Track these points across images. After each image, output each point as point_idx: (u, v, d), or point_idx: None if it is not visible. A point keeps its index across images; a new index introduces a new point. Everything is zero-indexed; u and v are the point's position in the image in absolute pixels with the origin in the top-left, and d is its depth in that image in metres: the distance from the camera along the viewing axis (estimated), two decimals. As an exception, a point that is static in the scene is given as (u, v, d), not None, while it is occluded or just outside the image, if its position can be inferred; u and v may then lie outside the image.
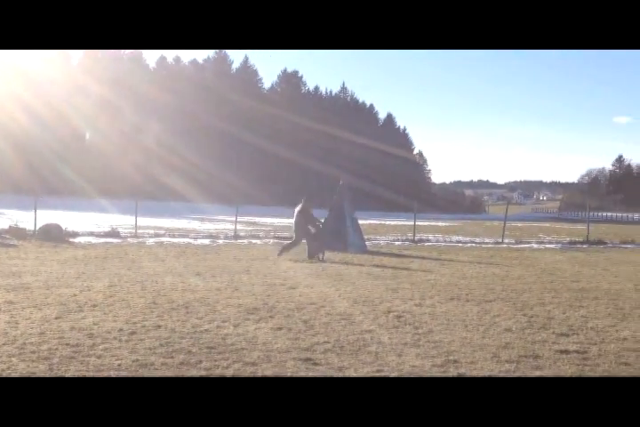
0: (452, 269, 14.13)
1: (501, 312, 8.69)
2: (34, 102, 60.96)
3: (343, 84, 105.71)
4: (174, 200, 60.20)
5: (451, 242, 23.77)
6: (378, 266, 14.56)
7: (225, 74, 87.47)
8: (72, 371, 5.30)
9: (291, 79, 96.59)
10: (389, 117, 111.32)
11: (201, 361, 5.71)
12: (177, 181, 63.81)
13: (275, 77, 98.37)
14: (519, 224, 47.66)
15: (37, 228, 20.17)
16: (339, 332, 7.11)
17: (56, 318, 7.48)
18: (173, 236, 22.21)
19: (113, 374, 5.22)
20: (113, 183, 61.89)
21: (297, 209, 16.37)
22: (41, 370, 5.30)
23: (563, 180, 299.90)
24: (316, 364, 5.73)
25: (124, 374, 5.24)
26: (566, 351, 6.42)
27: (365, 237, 20.04)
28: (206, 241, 20.76)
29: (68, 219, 26.89)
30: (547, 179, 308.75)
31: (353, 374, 5.39)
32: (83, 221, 27.84)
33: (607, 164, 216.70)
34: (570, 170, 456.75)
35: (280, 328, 7.22)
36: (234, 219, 25.71)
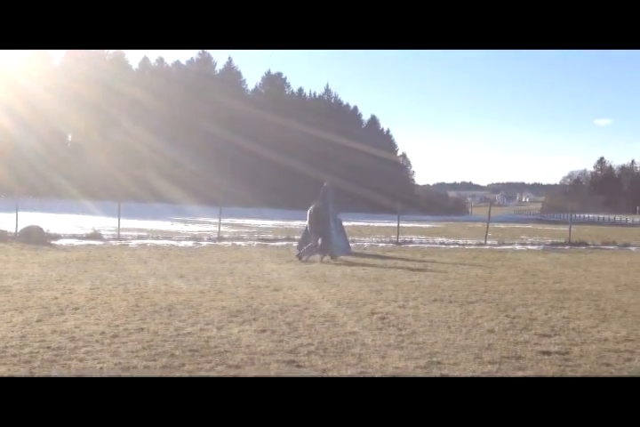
0: (436, 271, 14.18)
1: (484, 313, 8.73)
2: (14, 103, 60.37)
3: (327, 86, 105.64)
4: (158, 202, 59.93)
5: (434, 243, 23.86)
6: (362, 268, 14.58)
7: (208, 75, 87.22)
8: (53, 375, 5.25)
9: (274, 81, 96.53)
10: (373, 119, 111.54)
11: (184, 364, 5.68)
12: (161, 183, 63.55)
13: (259, 79, 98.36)
14: (502, 226, 47.93)
15: (18, 230, 19.98)
16: (322, 334, 7.11)
17: (37, 322, 7.42)
18: (156, 238, 22.10)
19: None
20: (96, 185, 61.41)
21: (309, 211, 16.74)
22: (22, 374, 5.26)
23: (545, 181, 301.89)
24: (299, 366, 5.73)
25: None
26: (548, 352, 6.47)
27: (349, 238, 20.06)
28: (190, 243, 20.69)
29: (49, 221, 26.66)
30: (529, 180, 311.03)
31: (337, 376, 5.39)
32: (65, 224, 27.63)
33: (589, 165, 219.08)
34: (552, 172, 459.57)
35: (264, 331, 7.21)
36: (217, 220, 25.64)
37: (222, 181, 68.59)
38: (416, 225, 44.33)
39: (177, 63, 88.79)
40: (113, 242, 20.18)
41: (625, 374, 5.75)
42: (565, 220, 64.00)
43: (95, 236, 21.21)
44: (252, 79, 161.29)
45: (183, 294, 9.78)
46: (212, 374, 5.41)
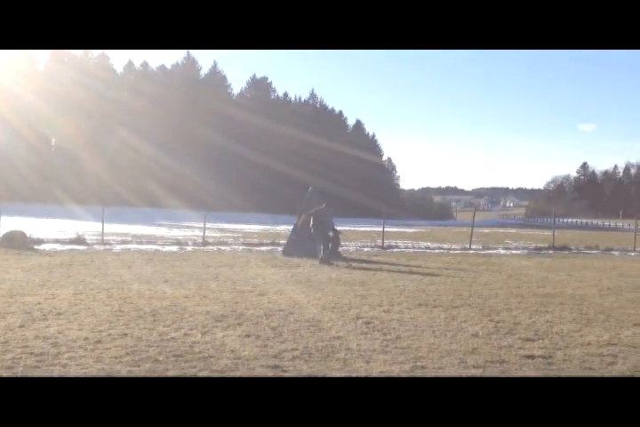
0: (421, 276, 14.22)
1: (468, 318, 8.77)
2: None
3: (312, 91, 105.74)
4: (146, 206, 59.64)
5: (419, 248, 23.92)
6: (347, 272, 14.59)
7: (194, 79, 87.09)
8: (37, 375, 5.20)
9: (260, 85, 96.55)
10: (358, 124, 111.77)
11: (168, 369, 5.66)
12: (149, 187, 63.31)
13: (244, 83, 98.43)
14: (486, 230, 48.18)
15: (1, 235, 19.80)
16: (307, 338, 7.11)
17: (20, 327, 7.36)
18: (141, 242, 21.98)
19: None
20: (82, 189, 61.06)
21: (312, 216, 17.00)
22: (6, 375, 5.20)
23: (529, 186, 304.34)
24: (284, 371, 5.72)
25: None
26: (532, 356, 6.50)
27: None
28: (174, 248, 20.59)
29: (33, 225, 26.46)
30: (513, 185, 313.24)
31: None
32: (48, 228, 27.43)
33: (572, 171, 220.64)
34: (536, 177, 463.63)
35: (248, 335, 7.19)
36: (202, 225, 25.55)
37: (210, 185, 68.51)
38: (401, 230, 44.45)
39: (162, 67, 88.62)
40: (97, 247, 20.06)
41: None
42: (549, 224, 64.44)
43: (79, 240, 21.06)
44: (237, 84, 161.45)
45: (167, 299, 9.74)
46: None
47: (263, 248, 21.35)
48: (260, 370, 5.70)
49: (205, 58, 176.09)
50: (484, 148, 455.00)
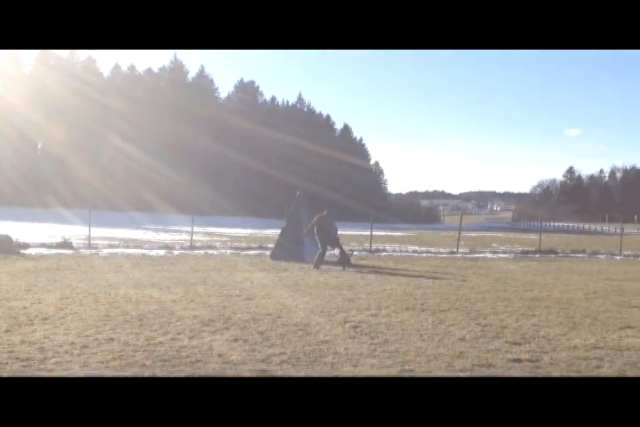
0: (408, 279, 14.25)
1: (456, 322, 8.79)
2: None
3: (300, 95, 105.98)
4: (135, 210, 59.40)
5: (407, 252, 23.98)
6: (334, 276, 14.60)
7: (181, 82, 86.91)
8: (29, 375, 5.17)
9: (247, 89, 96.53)
10: (346, 128, 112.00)
11: (155, 374, 5.63)
12: (137, 190, 63.05)
13: (231, 87, 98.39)
14: (473, 234, 48.37)
15: (-14, 239, 19.65)
16: (295, 343, 7.10)
17: (6, 332, 7.30)
18: (128, 246, 21.90)
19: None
20: (67, 193, 60.70)
21: (313, 222, 17.27)
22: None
23: (516, 190, 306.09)
24: (272, 375, 5.70)
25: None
26: (519, 360, 6.52)
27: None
28: (162, 252, 20.52)
29: (19, 230, 26.28)
30: (500, 189, 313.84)
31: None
32: (35, 232, 27.26)
33: (558, 175, 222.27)
34: (522, 181, 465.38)
35: (236, 340, 7.17)
36: (190, 229, 25.47)
37: (197, 188, 68.37)
38: (389, 233, 44.53)
39: (149, 71, 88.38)
40: (83, 251, 19.95)
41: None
42: (536, 228, 64.79)
43: (65, 245, 20.94)
44: (225, 87, 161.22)
45: (155, 304, 9.70)
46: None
47: (251, 252, 21.33)
48: (248, 375, 5.69)
49: (193, 61, 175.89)
50: (471, 152, 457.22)
